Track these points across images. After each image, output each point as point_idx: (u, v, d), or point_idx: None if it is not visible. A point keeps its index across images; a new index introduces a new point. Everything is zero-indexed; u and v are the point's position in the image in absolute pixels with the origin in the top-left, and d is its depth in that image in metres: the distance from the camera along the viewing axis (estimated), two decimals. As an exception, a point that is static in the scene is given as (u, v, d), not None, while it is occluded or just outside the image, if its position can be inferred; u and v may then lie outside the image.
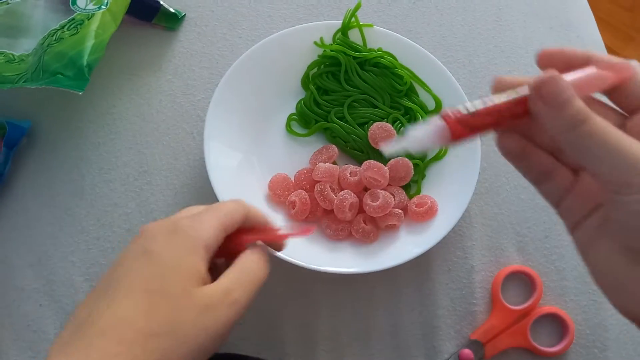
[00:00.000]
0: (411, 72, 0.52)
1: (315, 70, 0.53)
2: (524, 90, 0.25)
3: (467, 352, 0.45)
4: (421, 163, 0.50)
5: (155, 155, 0.51)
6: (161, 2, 0.55)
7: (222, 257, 0.34)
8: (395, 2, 0.59)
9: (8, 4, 0.50)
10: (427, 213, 0.46)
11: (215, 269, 0.32)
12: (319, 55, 0.52)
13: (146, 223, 0.48)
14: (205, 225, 0.32)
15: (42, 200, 0.49)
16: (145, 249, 0.30)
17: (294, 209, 0.47)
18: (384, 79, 0.51)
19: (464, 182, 0.47)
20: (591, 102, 0.28)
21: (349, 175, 0.47)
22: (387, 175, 0.47)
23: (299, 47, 0.52)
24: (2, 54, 0.48)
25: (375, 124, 0.49)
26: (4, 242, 0.48)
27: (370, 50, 0.52)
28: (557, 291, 0.48)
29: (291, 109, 0.53)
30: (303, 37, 0.52)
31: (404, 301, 0.47)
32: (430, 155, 0.50)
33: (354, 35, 0.52)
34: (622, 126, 0.27)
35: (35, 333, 0.45)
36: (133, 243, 0.31)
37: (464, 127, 0.25)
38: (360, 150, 0.50)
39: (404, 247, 0.46)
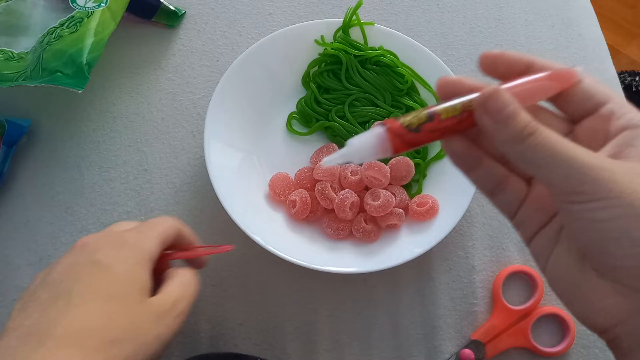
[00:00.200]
0: (412, 71, 0.51)
1: (316, 68, 0.52)
2: (472, 97, 0.25)
3: (467, 352, 0.45)
4: (422, 162, 0.49)
5: (155, 154, 0.51)
6: (161, 0, 0.55)
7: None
8: (396, 1, 0.59)
9: (7, 1, 0.50)
10: (428, 212, 0.46)
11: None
12: (319, 54, 0.52)
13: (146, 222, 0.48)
14: (149, 240, 0.34)
15: (42, 199, 0.49)
16: (93, 259, 0.32)
17: (294, 208, 0.46)
18: (385, 77, 0.51)
19: (465, 182, 0.47)
20: (538, 110, 0.27)
21: (349, 174, 0.47)
22: (388, 174, 0.47)
23: (299, 45, 0.52)
24: (2, 52, 0.48)
25: (376, 122, 0.49)
26: (4, 241, 0.48)
27: (371, 48, 0.51)
28: (558, 291, 0.48)
29: (292, 107, 0.52)
30: (304, 35, 0.51)
31: (404, 301, 0.47)
32: (432, 155, 0.50)
33: (355, 34, 0.52)
34: (570, 133, 0.27)
35: (35, 332, 0.45)
36: (76, 255, 0.32)
37: (407, 143, 0.25)
38: (361, 149, 0.50)
39: (404, 246, 0.46)
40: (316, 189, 0.47)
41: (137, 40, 0.55)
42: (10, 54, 0.48)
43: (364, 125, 0.50)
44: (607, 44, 0.59)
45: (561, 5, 0.60)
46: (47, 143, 0.51)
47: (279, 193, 0.47)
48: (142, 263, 0.33)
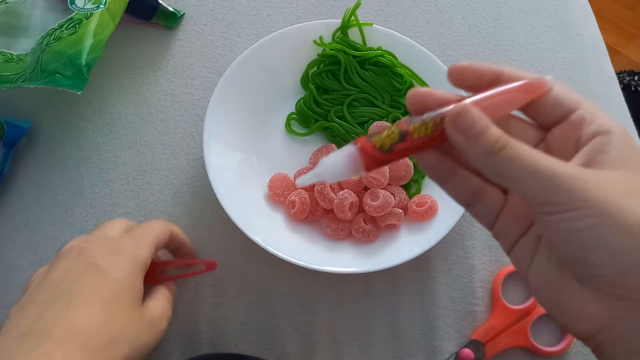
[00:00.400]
0: (411, 71, 0.51)
1: (314, 69, 0.52)
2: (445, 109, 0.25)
3: (467, 351, 0.45)
4: (421, 162, 0.49)
5: (155, 155, 0.51)
6: (160, 1, 0.55)
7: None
8: (394, 1, 0.59)
9: (7, 3, 0.50)
10: (428, 212, 0.46)
11: None
12: (318, 54, 0.52)
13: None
14: (144, 248, 0.36)
15: (41, 200, 0.49)
16: (92, 263, 0.33)
17: (293, 208, 0.46)
18: (383, 77, 0.51)
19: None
20: (510, 119, 0.27)
21: (348, 174, 0.47)
22: (388, 174, 0.47)
23: (298, 46, 0.52)
24: (1, 53, 0.48)
25: (375, 123, 0.49)
26: (3, 242, 0.48)
27: (370, 49, 0.52)
28: (557, 290, 0.48)
29: (291, 108, 0.53)
30: (302, 35, 0.52)
31: (404, 301, 0.47)
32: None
33: (353, 34, 0.52)
34: (542, 140, 0.27)
35: (35, 333, 0.45)
36: (74, 258, 0.33)
37: (379, 162, 0.25)
38: (360, 150, 0.50)
39: (404, 246, 0.46)
40: (315, 189, 0.47)
41: (136, 41, 0.56)
42: (9, 55, 0.48)
43: (363, 125, 0.51)
44: (606, 45, 0.59)
45: (560, 5, 0.60)
46: (46, 144, 0.51)
47: (278, 193, 0.48)
48: (136, 272, 0.34)
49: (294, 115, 0.52)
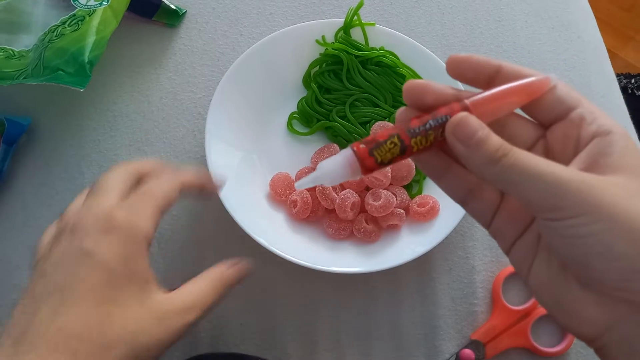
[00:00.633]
0: (413, 72, 0.51)
1: (317, 68, 0.52)
2: (443, 113, 0.25)
3: (467, 352, 0.45)
4: (423, 163, 0.49)
5: (156, 153, 0.51)
6: (162, -1, 0.55)
7: None
8: (397, 1, 0.59)
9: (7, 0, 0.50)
10: (429, 213, 0.46)
11: None
12: (320, 54, 0.52)
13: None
14: (143, 218, 0.30)
15: (41, 198, 0.49)
16: (82, 249, 0.29)
17: (295, 208, 0.46)
18: (386, 78, 0.51)
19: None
20: (508, 115, 0.27)
21: (350, 174, 0.47)
22: (389, 174, 0.47)
23: (300, 45, 0.52)
24: (2, 49, 0.48)
25: (377, 123, 0.49)
26: (3, 240, 0.48)
27: (372, 49, 0.52)
28: (557, 291, 0.48)
29: (292, 107, 0.53)
30: (305, 35, 0.52)
31: (404, 301, 0.47)
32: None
33: (356, 34, 0.52)
34: (541, 138, 0.27)
35: (35, 331, 0.45)
36: (65, 240, 0.30)
37: (377, 167, 0.25)
38: (362, 150, 0.50)
39: (405, 246, 0.46)
40: (317, 189, 0.47)
41: (138, 39, 0.55)
42: (11, 51, 0.48)
43: (365, 125, 0.51)
44: (605, 47, 0.59)
45: (561, 7, 0.60)
46: (47, 142, 0.51)
47: (280, 193, 0.47)
48: (137, 251, 0.29)
49: (296, 115, 0.52)
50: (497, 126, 0.27)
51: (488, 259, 0.49)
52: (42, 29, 0.48)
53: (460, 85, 0.41)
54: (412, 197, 0.49)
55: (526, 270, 0.26)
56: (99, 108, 0.52)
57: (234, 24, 0.57)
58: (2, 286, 0.46)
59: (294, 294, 0.47)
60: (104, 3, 0.49)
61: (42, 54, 0.46)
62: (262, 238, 0.43)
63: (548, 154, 0.26)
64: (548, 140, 0.26)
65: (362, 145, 0.25)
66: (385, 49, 0.52)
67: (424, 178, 0.50)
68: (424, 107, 0.26)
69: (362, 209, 0.47)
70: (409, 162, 0.48)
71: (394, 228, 0.47)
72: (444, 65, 0.49)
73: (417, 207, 0.47)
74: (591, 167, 0.24)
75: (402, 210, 0.47)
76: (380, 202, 0.45)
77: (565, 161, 0.25)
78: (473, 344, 0.45)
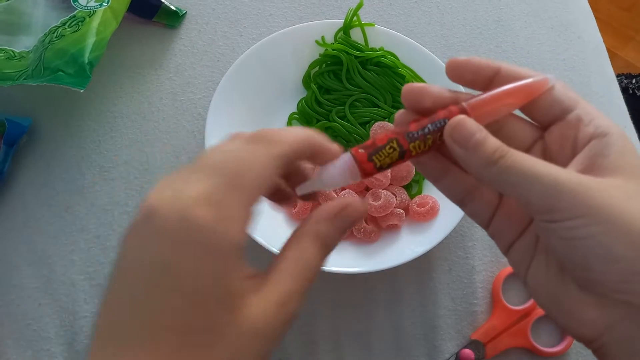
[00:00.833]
0: (413, 72, 0.52)
1: (316, 69, 0.52)
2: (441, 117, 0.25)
3: (467, 352, 0.45)
4: (422, 163, 0.50)
5: (156, 154, 0.51)
6: (162, 0, 0.55)
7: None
8: (396, 2, 0.59)
9: (8, 1, 0.50)
10: (429, 213, 0.46)
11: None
12: (320, 54, 0.52)
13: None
14: (232, 224, 0.22)
15: (42, 199, 0.49)
16: (163, 264, 0.21)
17: (294, 208, 0.46)
18: (385, 78, 0.51)
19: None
20: (506, 116, 0.27)
21: (350, 174, 0.47)
22: (389, 175, 0.47)
23: (300, 45, 0.52)
24: (3, 50, 0.48)
25: (376, 123, 0.49)
26: (3, 241, 0.48)
27: (372, 49, 0.52)
28: (557, 291, 0.48)
29: (292, 107, 0.53)
30: (304, 35, 0.52)
31: (404, 301, 0.47)
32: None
33: (355, 35, 0.52)
34: (539, 139, 0.27)
35: (35, 332, 0.45)
36: (144, 240, 0.22)
37: (375, 172, 0.26)
38: (362, 150, 0.50)
39: (405, 247, 0.46)
40: (317, 189, 0.47)
41: (138, 40, 0.55)
42: (11, 52, 0.48)
43: (365, 125, 0.51)
44: (604, 47, 0.59)
45: (560, 7, 0.60)
46: (47, 142, 0.51)
47: (280, 193, 0.47)
48: (225, 271, 0.22)
49: (296, 115, 0.52)
50: (494, 127, 0.27)
51: (488, 259, 0.49)
52: (43, 30, 0.48)
53: (462, 88, 0.41)
54: (411, 197, 0.49)
55: (524, 271, 0.26)
56: (99, 109, 0.53)
57: (233, 24, 0.57)
58: (2, 286, 0.46)
59: (294, 294, 0.47)
60: (104, 4, 0.49)
61: (42, 55, 0.46)
62: (262, 238, 0.43)
63: (546, 155, 0.26)
64: (546, 141, 0.26)
65: (361, 150, 0.25)
66: (385, 49, 0.52)
67: (424, 178, 0.50)
68: (423, 111, 0.26)
69: (362, 209, 0.47)
70: (409, 163, 0.48)
71: (393, 228, 0.47)
72: (444, 65, 0.50)
73: (417, 207, 0.47)
74: (589, 168, 0.24)
75: (401, 210, 0.47)
76: (380, 202, 0.45)
77: (563, 163, 0.25)
78: (473, 344, 0.45)
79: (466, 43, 0.58)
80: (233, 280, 0.22)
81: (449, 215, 0.46)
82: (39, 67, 0.46)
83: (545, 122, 0.26)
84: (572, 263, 0.23)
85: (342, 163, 0.25)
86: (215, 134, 0.47)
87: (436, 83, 0.51)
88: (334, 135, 0.51)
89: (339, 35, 0.52)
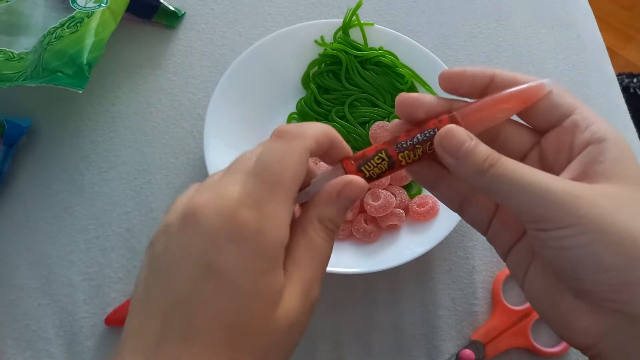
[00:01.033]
0: (412, 72, 0.51)
1: (315, 68, 0.52)
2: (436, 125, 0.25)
3: (467, 352, 0.45)
4: (422, 162, 0.49)
5: (155, 154, 0.51)
6: (161, 0, 0.55)
7: None
8: (396, 1, 0.59)
9: (7, 2, 0.50)
10: (429, 213, 0.46)
11: None
12: (319, 54, 0.52)
13: (146, 222, 0.48)
14: (275, 223, 0.23)
15: (41, 199, 0.49)
16: (208, 264, 0.22)
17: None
18: (385, 78, 0.51)
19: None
20: (505, 122, 0.27)
21: (349, 174, 0.47)
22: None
23: (299, 45, 0.52)
24: (2, 52, 0.48)
25: (376, 123, 0.49)
26: (3, 241, 0.48)
27: (371, 49, 0.52)
28: (557, 291, 0.48)
29: (292, 107, 0.52)
30: (303, 35, 0.52)
31: (404, 301, 0.47)
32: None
33: (354, 34, 0.52)
34: (536, 144, 0.27)
35: (35, 332, 0.45)
36: (187, 242, 0.23)
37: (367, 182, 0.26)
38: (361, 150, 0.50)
39: (405, 247, 0.46)
40: (316, 189, 0.47)
41: (137, 40, 0.55)
42: (10, 54, 0.48)
43: (364, 125, 0.50)
44: (604, 46, 0.59)
45: (560, 6, 0.60)
46: (46, 143, 0.51)
47: (279, 193, 0.47)
48: (269, 267, 0.22)
49: (295, 115, 0.52)
50: (492, 134, 0.27)
51: (488, 259, 0.49)
52: (42, 31, 0.48)
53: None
54: (411, 197, 0.49)
55: (522, 276, 0.26)
56: (98, 109, 0.53)
57: (232, 24, 0.57)
58: (2, 286, 0.46)
59: (294, 294, 0.47)
60: (103, 5, 0.49)
61: (41, 56, 0.46)
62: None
63: (543, 161, 0.26)
64: (543, 146, 0.26)
65: (351, 162, 0.26)
66: (384, 49, 0.52)
67: (424, 178, 0.50)
68: (417, 121, 0.26)
69: (362, 209, 0.47)
70: (408, 162, 0.48)
71: (393, 228, 0.47)
72: (443, 65, 0.50)
73: (417, 207, 0.47)
74: (583, 175, 0.23)
75: (401, 211, 0.47)
76: (379, 202, 0.45)
77: (559, 169, 0.25)
78: (473, 344, 0.45)
79: (466, 42, 0.58)
80: (277, 277, 0.23)
81: (448, 215, 0.46)
82: (37, 68, 0.46)
83: (543, 128, 0.26)
84: (563, 272, 0.23)
85: (332, 174, 0.26)
86: (214, 134, 0.47)
87: (436, 82, 0.51)
88: (334, 135, 0.51)
89: (338, 34, 0.52)
